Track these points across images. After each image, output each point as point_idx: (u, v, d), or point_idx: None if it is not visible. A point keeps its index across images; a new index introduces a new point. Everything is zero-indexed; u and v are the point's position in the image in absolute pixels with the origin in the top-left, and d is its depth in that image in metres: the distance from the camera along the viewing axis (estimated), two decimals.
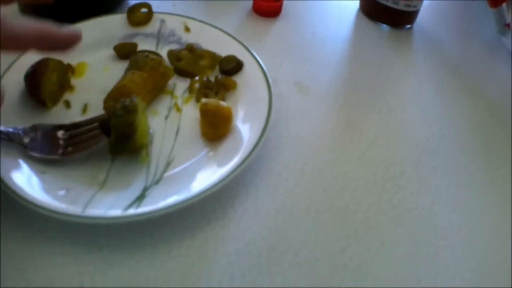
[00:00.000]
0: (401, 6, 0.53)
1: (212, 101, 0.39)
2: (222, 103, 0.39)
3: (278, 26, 0.53)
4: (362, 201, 0.38)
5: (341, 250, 0.34)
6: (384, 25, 0.55)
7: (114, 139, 0.36)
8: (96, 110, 0.40)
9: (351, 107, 0.45)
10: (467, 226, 0.37)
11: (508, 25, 0.59)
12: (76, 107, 0.41)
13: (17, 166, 0.35)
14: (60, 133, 0.38)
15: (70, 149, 0.37)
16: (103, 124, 0.38)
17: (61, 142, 0.38)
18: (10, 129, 0.37)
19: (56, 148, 0.37)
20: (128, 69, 0.42)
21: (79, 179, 0.36)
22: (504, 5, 0.58)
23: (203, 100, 0.39)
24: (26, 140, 0.37)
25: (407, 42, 0.54)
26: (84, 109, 0.41)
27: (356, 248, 0.35)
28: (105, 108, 0.38)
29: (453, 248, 0.36)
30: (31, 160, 0.36)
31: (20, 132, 0.37)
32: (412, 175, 0.40)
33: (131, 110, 0.36)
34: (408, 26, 0.56)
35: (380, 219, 0.37)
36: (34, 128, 0.38)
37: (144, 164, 0.37)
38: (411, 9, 0.53)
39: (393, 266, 0.34)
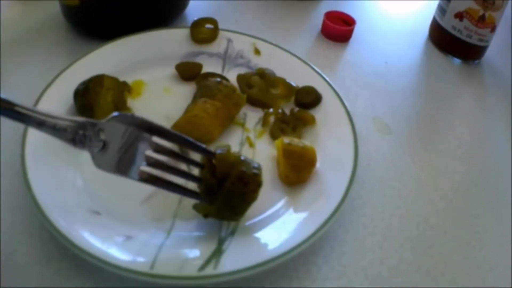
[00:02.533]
0: (474, 40, 0.49)
1: (295, 141, 0.34)
2: (306, 143, 0.35)
3: (348, 52, 0.50)
4: (449, 260, 0.34)
5: None
6: (456, 58, 0.51)
7: (222, 205, 0.30)
8: None
9: (432, 150, 0.42)
10: None
11: None
12: None
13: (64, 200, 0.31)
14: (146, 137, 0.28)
15: (149, 171, 0.28)
16: (206, 166, 0.30)
17: (138, 154, 0.28)
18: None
19: (131, 161, 0.28)
20: (197, 96, 0.38)
21: (141, 224, 0.31)
22: None
23: (286, 140, 0.34)
24: (96, 146, 0.27)
25: (478, 78, 0.51)
26: None
27: None
28: (220, 157, 0.29)
29: None
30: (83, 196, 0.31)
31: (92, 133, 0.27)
32: (496, 230, 0.37)
33: (259, 183, 0.30)
34: (477, 61, 0.52)
35: (467, 279, 0.33)
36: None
37: None
38: (483, 43, 0.50)
39: None
